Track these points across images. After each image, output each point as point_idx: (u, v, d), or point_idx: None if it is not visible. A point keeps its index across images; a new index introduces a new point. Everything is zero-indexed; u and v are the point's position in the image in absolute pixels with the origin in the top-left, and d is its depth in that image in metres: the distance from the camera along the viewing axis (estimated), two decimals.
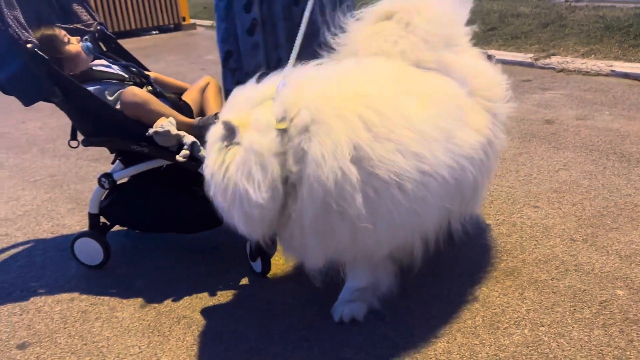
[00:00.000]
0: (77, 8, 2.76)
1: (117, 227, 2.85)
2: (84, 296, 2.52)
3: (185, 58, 8.16)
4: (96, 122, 2.50)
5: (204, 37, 10.18)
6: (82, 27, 2.76)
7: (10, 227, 3.25)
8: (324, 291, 2.25)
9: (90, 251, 2.68)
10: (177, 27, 10.98)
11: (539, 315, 2.13)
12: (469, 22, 2.39)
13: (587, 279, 2.31)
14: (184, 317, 2.32)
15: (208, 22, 11.23)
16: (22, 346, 2.23)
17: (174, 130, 2.32)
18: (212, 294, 2.46)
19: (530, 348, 1.97)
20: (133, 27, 10.50)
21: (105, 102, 2.46)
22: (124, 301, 2.46)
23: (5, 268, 2.83)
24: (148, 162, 2.49)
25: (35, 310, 2.46)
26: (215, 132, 1.92)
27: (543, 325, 2.07)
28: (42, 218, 3.34)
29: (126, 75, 2.60)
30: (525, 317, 2.12)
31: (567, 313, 2.12)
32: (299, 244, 1.98)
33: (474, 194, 2.21)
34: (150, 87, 2.58)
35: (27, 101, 2.55)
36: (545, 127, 4.04)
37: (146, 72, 2.71)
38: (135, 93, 2.40)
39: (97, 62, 2.64)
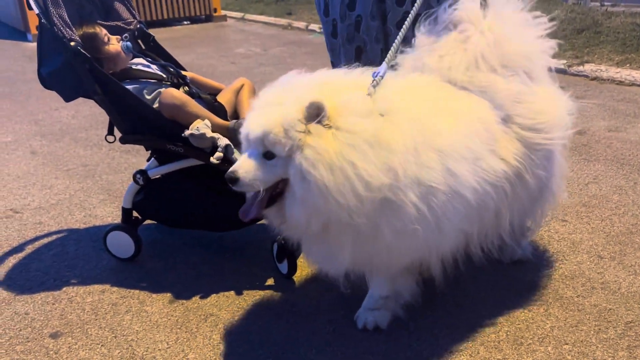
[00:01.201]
0: (119, 6, 2.82)
1: (148, 221, 2.91)
2: (114, 288, 2.59)
3: (216, 50, 8.22)
4: (134, 121, 2.56)
5: (235, 29, 10.24)
6: (122, 25, 2.82)
7: (44, 216, 3.34)
8: (348, 295, 2.29)
9: (122, 244, 2.75)
10: (208, 18, 11.06)
11: (563, 332, 2.13)
12: None
13: (613, 298, 2.30)
14: (211, 314, 2.37)
15: (239, 14, 11.29)
16: (55, 335, 2.31)
17: (209, 133, 2.37)
18: (239, 292, 2.51)
19: None
20: (165, 16, 10.62)
21: (143, 101, 2.52)
22: (154, 295, 2.52)
23: (39, 256, 2.92)
24: (182, 161, 2.55)
25: (67, 300, 2.53)
26: (296, 114, 1.78)
27: (567, 344, 2.07)
28: (74, 208, 3.42)
29: (164, 75, 2.66)
30: (549, 334, 2.13)
31: (592, 332, 2.12)
32: (327, 244, 1.95)
33: (495, 223, 2.14)
34: (187, 88, 2.63)
35: (67, 97, 2.63)
36: (576, 138, 3.99)
37: (183, 72, 2.76)
38: (174, 95, 2.45)
39: (136, 60, 2.70)
